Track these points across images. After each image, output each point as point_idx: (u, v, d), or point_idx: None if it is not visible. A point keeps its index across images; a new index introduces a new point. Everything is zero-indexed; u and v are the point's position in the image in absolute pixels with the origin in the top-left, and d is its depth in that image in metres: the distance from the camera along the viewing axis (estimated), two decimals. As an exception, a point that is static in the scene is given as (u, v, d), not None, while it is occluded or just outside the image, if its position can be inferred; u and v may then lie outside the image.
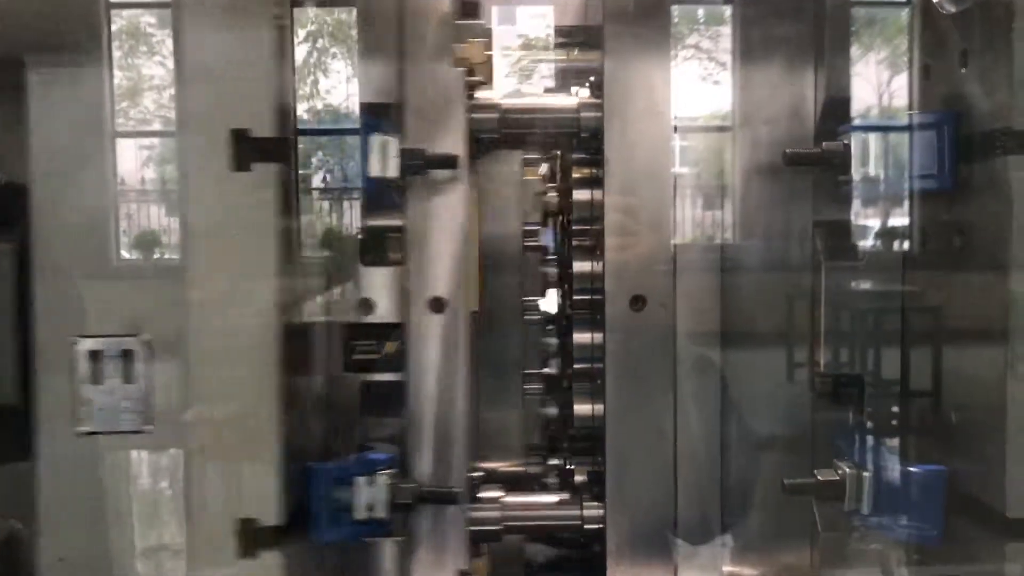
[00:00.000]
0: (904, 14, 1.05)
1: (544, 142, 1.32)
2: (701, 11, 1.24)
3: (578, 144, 1.20)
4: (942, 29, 0.95)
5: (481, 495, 1.16)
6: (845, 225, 1.08)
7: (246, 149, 0.95)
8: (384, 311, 1.12)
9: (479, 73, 1.15)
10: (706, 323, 1.13)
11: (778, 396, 1.15)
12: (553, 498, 1.20)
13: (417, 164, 1.06)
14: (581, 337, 1.23)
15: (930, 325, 1.01)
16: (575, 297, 1.25)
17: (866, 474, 1.01)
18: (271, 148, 0.97)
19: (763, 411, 1.15)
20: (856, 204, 1.10)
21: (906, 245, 1.06)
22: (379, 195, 1.07)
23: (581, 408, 1.23)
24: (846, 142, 1.01)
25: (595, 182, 1.18)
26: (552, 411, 1.37)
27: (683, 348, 1.12)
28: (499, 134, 1.14)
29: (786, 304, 1.14)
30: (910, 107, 1.00)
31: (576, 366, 1.24)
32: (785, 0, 1.10)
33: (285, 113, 1.00)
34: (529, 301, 1.31)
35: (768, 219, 1.12)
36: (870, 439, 1.05)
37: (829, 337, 1.10)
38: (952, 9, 0.90)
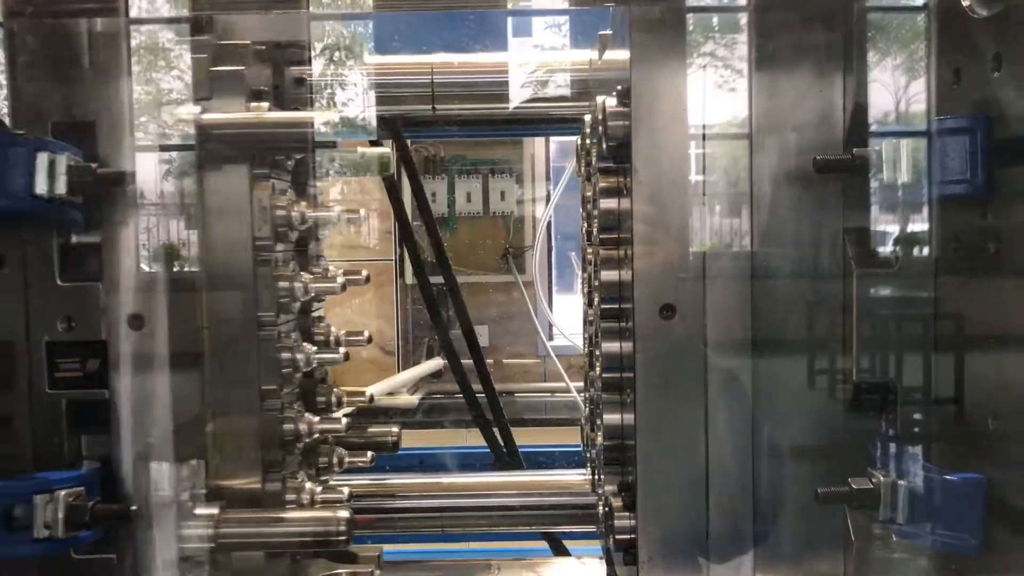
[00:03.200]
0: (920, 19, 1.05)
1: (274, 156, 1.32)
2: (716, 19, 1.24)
3: (601, 153, 1.20)
4: (973, 33, 0.94)
5: (199, 512, 1.20)
6: (876, 232, 1.08)
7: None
8: (85, 329, 1.17)
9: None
10: (736, 331, 1.13)
11: (810, 404, 1.14)
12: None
13: (86, 181, 1.12)
14: (610, 347, 1.23)
15: (963, 332, 1.00)
16: (603, 307, 1.25)
17: (901, 482, 1.00)
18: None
19: (794, 420, 1.15)
20: (887, 210, 1.10)
21: (937, 251, 1.05)
22: (55, 212, 1.13)
23: (611, 418, 1.23)
24: (877, 148, 1.01)
25: (619, 192, 1.19)
26: (290, 427, 1.35)
27: (713, 357, 1.12)
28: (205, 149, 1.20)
29: (817, 312, 1.13)
30: (937, 112, 0.99)
31: (605, 375, 1.24)
32: (813, 6, 1.11)
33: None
34: (266, 316, 1.28)
35: (797, 226, 1.12)
36: (905, 447, 1.04)
37: (860, 344, 1.10)
38: (984, 12, 0.89)
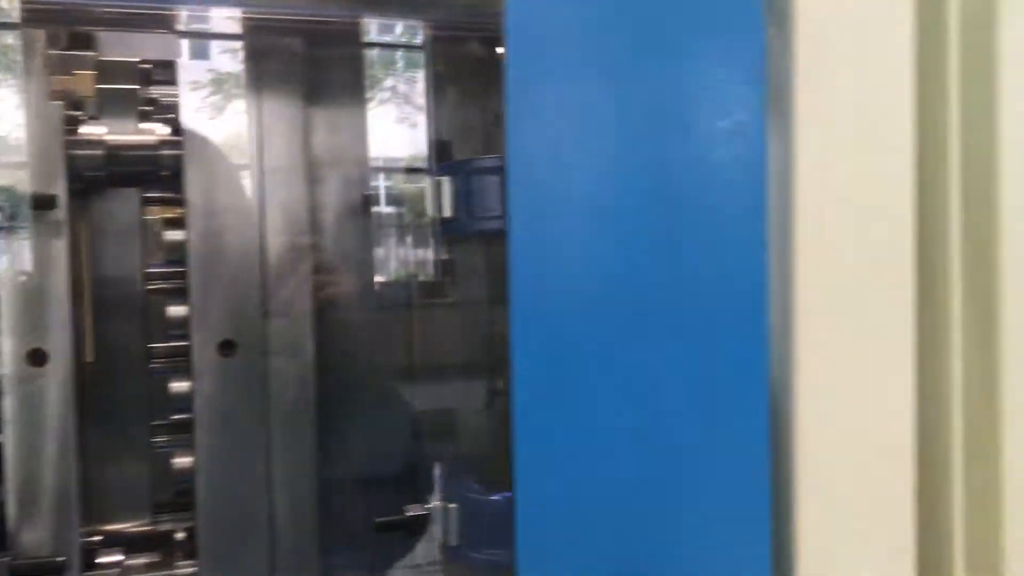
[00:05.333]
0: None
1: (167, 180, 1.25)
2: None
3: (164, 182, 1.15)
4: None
5: (101, 560, 1.08)
6: (434, 263, 1.13)
7: None
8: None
9: (88, 107, 1.08)
10: (302, 365, 1.12)
11: (381, 433, 1.16)
12: (142, 560, 1.13)
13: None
14: (176, 386, 1.17)
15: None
16: (171, 344, 1.20)
17: (452, 506, 1.04)
18: None
19: (367, 448, 1.16)
20: (436, 243, 1.15)
21: (487, 286, 1.11)
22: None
23: (181, 461, 1.18)
24: (423, 184, 1.05)
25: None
26: (184, 463, 1.29)
27: (278, 392, 1.11)
28: (105, 172, 1.08)
29: (378, 341, 1.16)
30: (483, 152, 1.05)
31: (174, 417, 1.19)
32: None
33: None
34: (157, 347, 1.22)
35: (361, 257, 1.14)
36: (459, 471, 1.09)
37: (422, 371, 1.14)
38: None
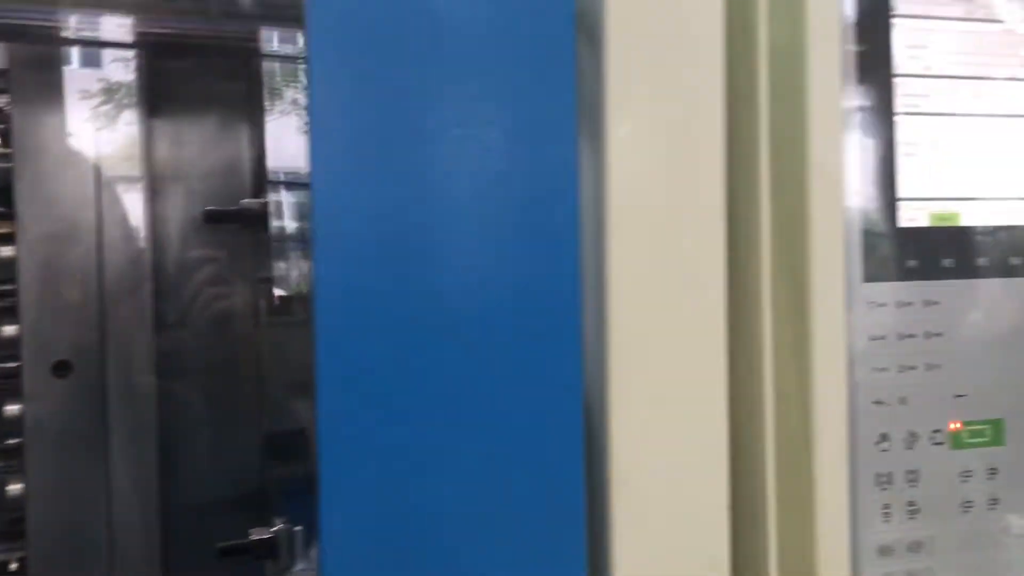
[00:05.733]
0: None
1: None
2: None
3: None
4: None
5: None
6: (278, 280, 1.10)
7: None
8: None
9: None
10: (142, 384, 1.09)
11: (231, 454, 1.13)
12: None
13: None
14: (8, 409, 1.12)
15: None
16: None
17: (297, 528, 1.01)
18: None
19: (215, 470, 1.13)
20: (294, 260, 1.13)
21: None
22: None
23: (13, 488, 1.12)
24: (266, 200, 1.03)
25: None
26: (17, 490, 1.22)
27: (116, 412, 1.07)
28: None
29: (230, 361, 1.12)
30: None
31: (6, 442, 1.13)
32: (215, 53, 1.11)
33: None
34: None
35: (205, 274, 1.11)
36: (304, 492, 1.06)
37: (272, 392, 1.11)
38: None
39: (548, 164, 0.59)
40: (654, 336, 0.63)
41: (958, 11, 0.74)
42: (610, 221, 0.61)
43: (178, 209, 1.10)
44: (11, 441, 1.10)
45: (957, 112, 0.74)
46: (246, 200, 1.03)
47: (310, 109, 0.53)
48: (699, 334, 0.65)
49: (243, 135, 1.11)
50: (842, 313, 0.68)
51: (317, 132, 0.52)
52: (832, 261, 0.68)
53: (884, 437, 0.71)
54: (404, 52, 0.55)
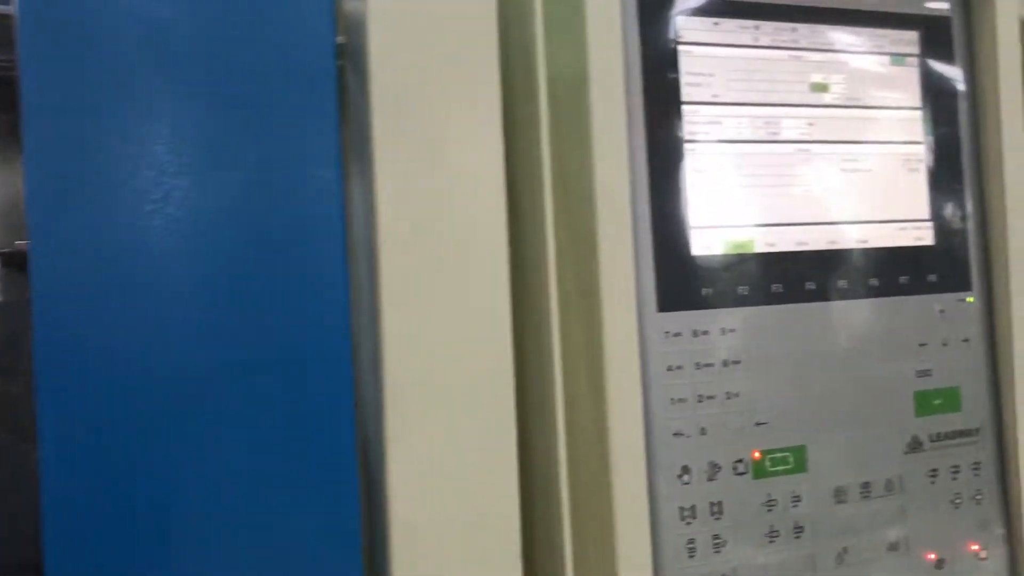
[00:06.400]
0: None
1: None
2: None
3: None
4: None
5: None
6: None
7: None
8: None
9: None
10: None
11: None
12: None
13: None
14: None
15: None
16: None
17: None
18: None
19: None
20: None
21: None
22: None
23: None
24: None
25: None
26: None
27: None
28: None
29: None
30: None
31: None
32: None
33: None
34: None
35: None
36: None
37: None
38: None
39: (312, 205, 0.56)
40: (433, 384, 0.60)
41: (745, 38, 0.74)
42: (382, 248, 0.58)
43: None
44: None
45: (747, 139, 0.73)
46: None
47: (25, 151, 0.48)
48: (484, 379, 0.62)
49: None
50: (635, 345, 0.67)
51: (32, 170, 0.48)
52: (623, 292, 0.67)
53: (685, 470, 0.69)
54: (131, 85, 0.51)
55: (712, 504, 0.70)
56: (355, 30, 0.60)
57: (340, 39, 0.61)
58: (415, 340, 0.59)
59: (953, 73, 0.81)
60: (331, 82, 0.56)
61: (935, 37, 0.81)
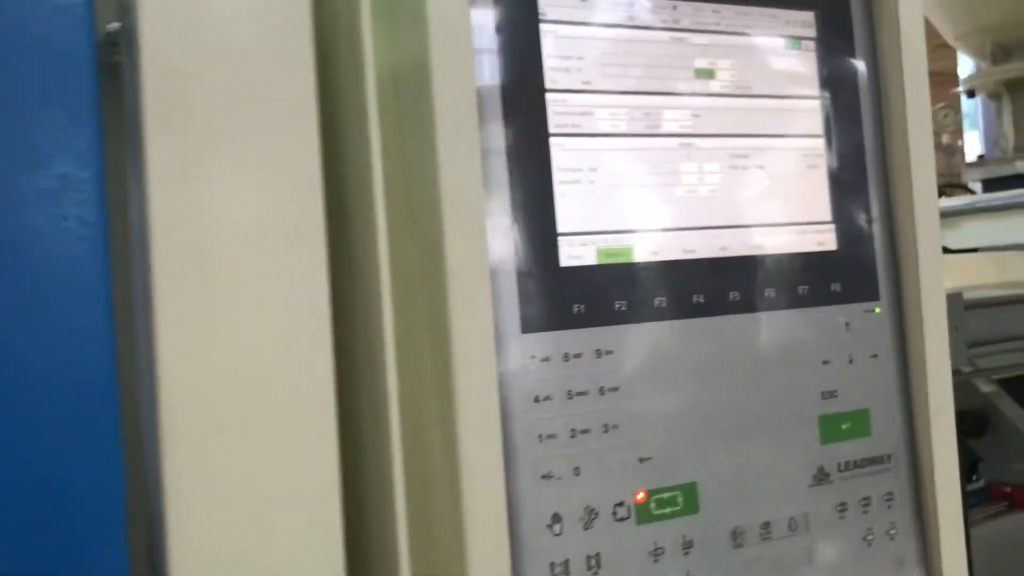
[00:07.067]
0: None
1: None
2: None
3: None
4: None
5: None
6: None
7: None
8: None
9: None
10: None
11: None
12: None
13: None
14: None
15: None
16: None
17: None
18: None
19: None
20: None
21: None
22: None
23: None
24: None
25: None
26: None
27: None
28: None
29: None
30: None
31: None
32: None
33: None
34: None
35: None
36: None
37: None
38: None
39: (63, 212, 0.45)
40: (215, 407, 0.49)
41: (618, 16, 0.65)
42: (153, 250, 0.47)
43: None
44: None
45: (623, 132, 0.64)
46: None
47: None
48: (305, 416, 0.51)
49: None
50: (493, 373, 0.57)
51: None
52: (477, 311, 0.56)
53: (556, 518, 0.59)
54: None
55: (589, 557, 0.60)
56: (129, 12, 0.49)
57: (113, 25, 0.51)
58: (189, 359, 0.48)
59: (854, 59, 0.73)
60: (87, 70, 0.46)
61: (833, 18, 0.72)
